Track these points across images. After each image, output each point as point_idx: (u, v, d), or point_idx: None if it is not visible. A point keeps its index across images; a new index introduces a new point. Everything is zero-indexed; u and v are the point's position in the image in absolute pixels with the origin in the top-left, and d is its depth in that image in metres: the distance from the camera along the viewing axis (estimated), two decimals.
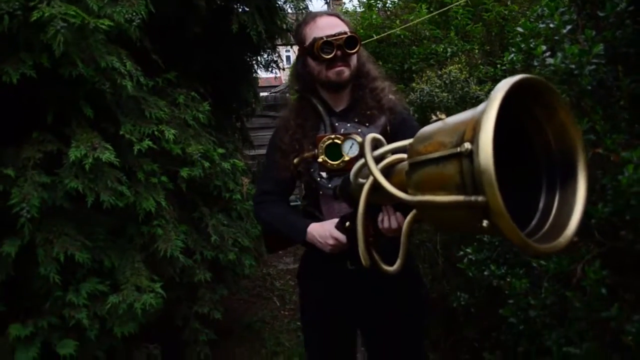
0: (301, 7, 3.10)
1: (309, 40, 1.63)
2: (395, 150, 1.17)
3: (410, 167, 0.95)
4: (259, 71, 4.61)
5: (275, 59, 4.19)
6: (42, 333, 2.27)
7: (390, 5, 4.85)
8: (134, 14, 2.16)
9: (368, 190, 1.18)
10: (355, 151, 1.53)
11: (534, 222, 0.90)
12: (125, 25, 2.16)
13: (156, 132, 2.46)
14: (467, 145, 0.78)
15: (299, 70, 1.71)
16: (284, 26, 3.60)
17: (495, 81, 3.76)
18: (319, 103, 1.67)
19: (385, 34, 4.17)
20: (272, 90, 12.17)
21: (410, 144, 0.99)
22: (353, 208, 1.38)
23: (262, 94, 10.58)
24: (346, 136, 1.55)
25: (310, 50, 1.60)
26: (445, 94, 3.31)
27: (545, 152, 0.92)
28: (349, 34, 1.59)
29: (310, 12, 1.86)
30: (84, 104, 2.17)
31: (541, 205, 0.91)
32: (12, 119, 2.19)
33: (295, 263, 6.23)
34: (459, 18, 4.22)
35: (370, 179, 1.16)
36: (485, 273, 1.85)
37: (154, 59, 2.53)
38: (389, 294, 1.63)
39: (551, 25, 2.16)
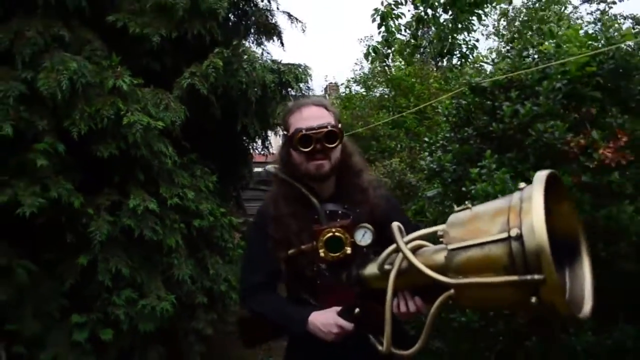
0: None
1: (292, 130, 1.62)
2: (419, 237, 1.26)
3: (450, 252, 1.05)
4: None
5: (267, 145, 5.52)
6: (91, 323, 3.34)
7: (358, 110, 6.27)
8: (177, 117, 3.45)
9: (395, 276, 1.24)
10: (368, 239, 1.48)
11: None
12: (169, 124, 3.45)
13: (181, 193, 3.68)
14: (516, 230, 0.90)
15: (284, 158, 1.70)
16: (274, 122, 4.92)
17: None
18: (308, 191, 1.63)
19: (351, 132, 5.53)
20: (266, 167, 13.37)
21: (444, 231, 1.10)
22: (363, 294, 1.44)
23: (256, 169, 11.77)
24: (355, 225, 1.50)
25: (291, 141, 1.60)
26: (387, 179, 4.57)
27: (554, 236, 1.01)
28: (329, 127, 1.57)
29: (299, 99, 1.82)
30: (139, 172, 3.41)
31: None
32: (89, 178, 3.41)
33: None
34: (408, 122, 5.58)
35: (397, 263, 1.24)
36: None
37: (184, 144, 3.80)
38: None
39: (431, 140, 3.49)
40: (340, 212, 1.63)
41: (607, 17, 13.63)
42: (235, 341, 6.09)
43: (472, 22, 8.24)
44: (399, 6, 8.35)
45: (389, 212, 1.66)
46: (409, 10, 8.40)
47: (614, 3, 13.42)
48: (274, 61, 4.38)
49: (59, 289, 3.30)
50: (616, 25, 3.39)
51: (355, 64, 13.30)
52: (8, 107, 2.91)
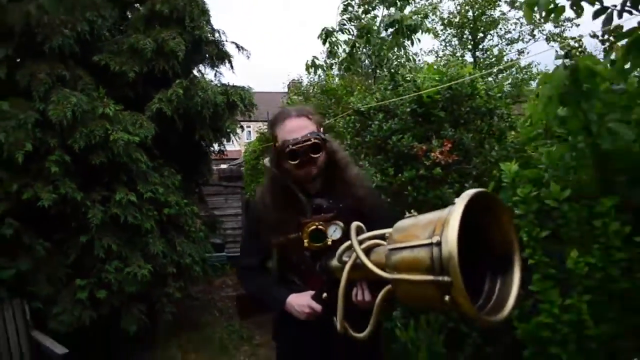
0: (236, 131, 5.73)
1: (279, 142, 1.77)
2: (374, 237, 1.40)
3: (390, 251, 1.20)
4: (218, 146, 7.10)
5: (222, 149, 6.78)
6: (89, 285, 4.54)
7: None
8: (149, 132, 4.69)
9: (349, 268, 1.40)
10: (338, 234, 1.66)
11: (481, 300, 1.15)
12: (143, 138, 4.68)
13: (153, 189, 4.91)
14: (437, 237, 1.03)
15: (275, 161, 1.83)
16: (228, 131, 6.17)
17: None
18: (296, 188, 1.79)
19: None
20: (231, 163, 14.37)
21: (389, 234, 1.26)
22: (330, 282, 1.59)
23: (222, 165, 12.75)
24: (330, 222, 1.69)
25: (281, 153, 1.76)
26: None
27: (490, 247, 1.19)
28: (312, 140, 1.70)
29: (282, 109, 1.91)
30: (122, 174, 4.64)
31: (486, 287, 1.18)
32: (86, 179, 4.62)
33: (235, 291, 8.43)
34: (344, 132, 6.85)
35: (352, 258, 1.39)
36: None
37: (154, 152, 5.04)
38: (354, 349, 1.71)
39: None
40: (324, 206, 1.78)
41: None
42: (199, 308, 7.35)
43: (406, 44, 9.57)
44: (350, 22, 9.60)
45: (373, 205, 1.85)
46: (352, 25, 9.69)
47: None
48: (223, 84, 5.68)
49: (66, 260, 4.51)
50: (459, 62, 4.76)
51: (294, 79, 14.53)
52: (27, 130, 4.10)
